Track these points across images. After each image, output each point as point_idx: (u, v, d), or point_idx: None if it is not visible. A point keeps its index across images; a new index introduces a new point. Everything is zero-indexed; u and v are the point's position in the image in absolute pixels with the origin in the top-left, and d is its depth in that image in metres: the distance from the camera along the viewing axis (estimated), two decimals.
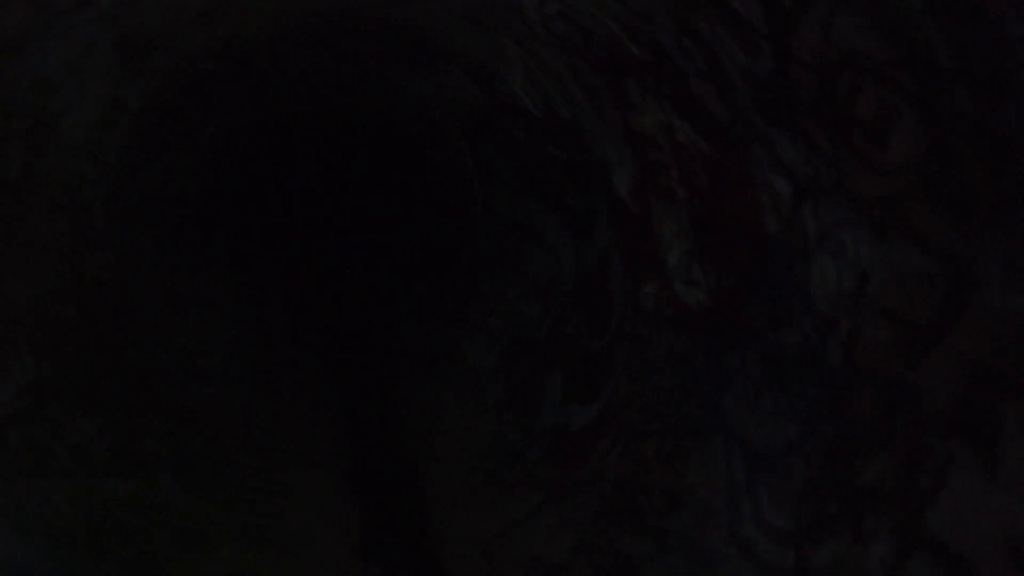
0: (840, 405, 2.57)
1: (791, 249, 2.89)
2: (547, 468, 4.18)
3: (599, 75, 3.74)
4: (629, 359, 4.10)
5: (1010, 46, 1.79)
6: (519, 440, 4.63)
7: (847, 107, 2.38)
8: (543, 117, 5.10)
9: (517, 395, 5.19)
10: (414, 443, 5.28)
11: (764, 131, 2.76)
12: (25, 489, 2.85)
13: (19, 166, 3.17)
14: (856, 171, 2.44)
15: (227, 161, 9.29)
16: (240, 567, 3.53)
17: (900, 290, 2.39)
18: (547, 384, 4.94)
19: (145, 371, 4.71)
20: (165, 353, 5.32)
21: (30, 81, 2.89)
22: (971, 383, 2.14)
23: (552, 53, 4.01)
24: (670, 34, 2.93)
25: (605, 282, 4.62)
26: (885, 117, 2.28)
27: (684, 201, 3.57)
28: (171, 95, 5.22)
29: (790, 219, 2.85)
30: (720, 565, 2.78)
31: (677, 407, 3.54)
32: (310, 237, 12.59)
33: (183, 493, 3.89)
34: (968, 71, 1.97)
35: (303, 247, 12.22)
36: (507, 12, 3.96)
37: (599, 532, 3.39)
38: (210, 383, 5.67)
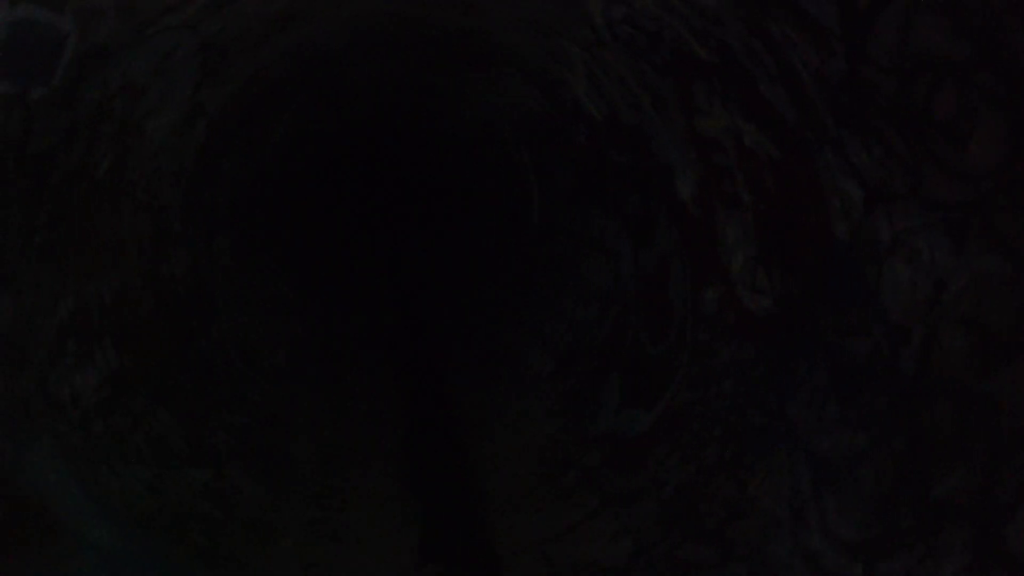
0: (913, 415, 2.50)
1: (862, 255, 2.82)
2: (604, 473, 4.17)
3: (664, 78, 3.73)
4: (690, 365, 4.06)
5: None
6: (575, 445, 4.63)
7: (924, 109, 2.32)
8: (605, 122, 5.11)
9: (573, 401, 5.19)
10: (472, 445, 5.33)
11: (835, 134, 2.71)
12: (109, 476, 2.99)
13: (107, 166, 3.34)
14: (933, 175, 2.38)
15: (295, 164, 9.56)
16: (305, 559, 3.62)
17: (979, 298, 2.32)
18: (604, 390, 4.93)
19: (217, 367, 4.89)
20: (235, 350, 5.51)
21: (119, 85, 3.05)
22: None
23: (617, 57, 4.01)
24: (739, 36, 2.90)
25: (665, 287, 4.59)
26: (965, 119, 2.22)
27: (749, 205, 3.52)
28: (246, 99, 5.41)
29: (861, 224, 2.79)
30: None
31: (739, 414, 3.49)
32: (372, 240, 12.83)
33: (252, 485, 4.01)
34: None
35: (365, 250, 12.47)
36: (572, 17, 3.99)
37: (658, 538, 3.37)
38: (277, 381, 5.84)
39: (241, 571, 3.16)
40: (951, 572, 2.21)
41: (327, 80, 7.52)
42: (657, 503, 3.61)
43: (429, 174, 12.98)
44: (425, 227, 12.95)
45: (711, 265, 3.99)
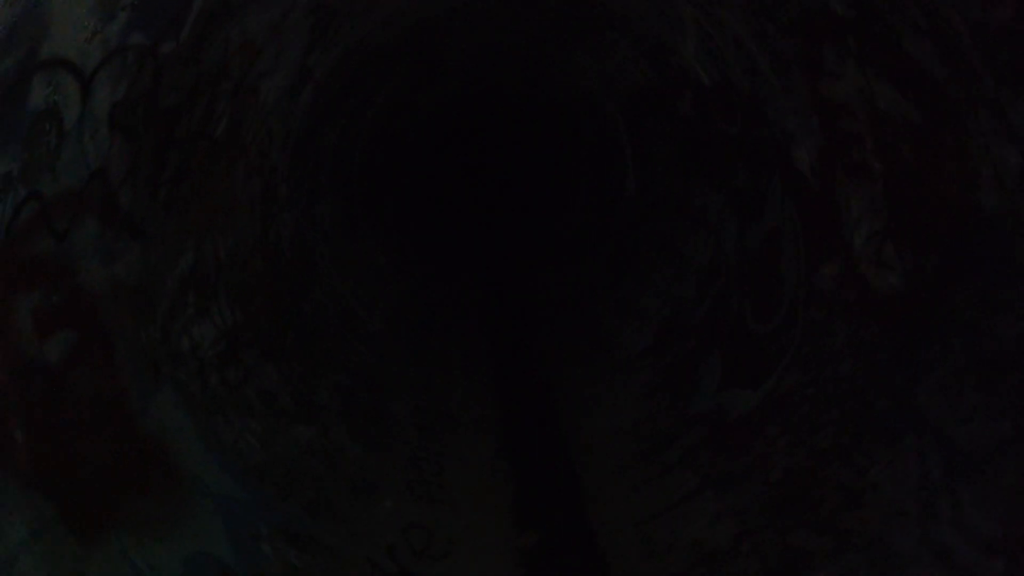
0: None
1: (1014, 229, 2.57)
2: (705, 453, 4.03)
3: (789, 38, 3.50)
4: (801, 345, 3.85)
5: None
6: (674, 423, 4.50)
7: None
8: (714, 88, 4.88)
9: (671, 378, 5.05)
10: (566, 418, 5.27)
11: (994, 94, 2.46)
12: (224, 426, 3.09)
13: (225, 125, 3.41)
14: None
15: (395, 134, 9.68)
16: (405, 519, 3.67)
17: None
18: (704, 368, 4.76)
19: (319, 329, 5.00)
20: (335, 314, 5.63)
21: (239, 43, 3.09)
22: None
23: (735, 15, 3.80)
24: None
25: (775, 263, 4.37)
26: None
27: (879, 175, 3.28)
28: (350, 66, 5.45)
29: (1016, 194, 2.54)
30: (910, 570, 2.55)
31: (859, 398, 3.28)
32: (468, 212, 12.91)
33: (354, 444, 4.09)
34: None
35: (461, 222, 12.56)
36: None
37: (766, 523, 3.22)
38: (374, 344, 5.95)
39: (346, 526, 3.21)
40: None
41: (429, 50, 7.52)
42: (764, 486, 3.46)
43: (525, 146, 12.91)
44: (520, 198, 12.91)
45: (829, 239, 3.75)
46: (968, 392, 2.68)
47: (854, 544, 2.81)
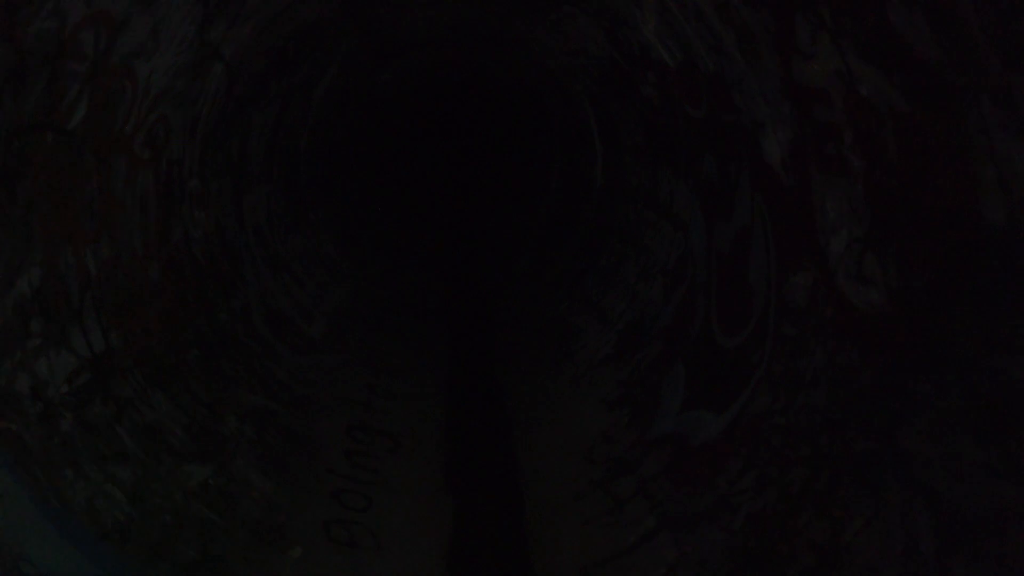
0: None
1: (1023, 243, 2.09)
2: (663, 485, 3.57)
3: (756, 10, 2.98)
4: (771, 364, 3.38)
5: None
6: (632, 446, 4.03)
7: None
8: (679, 69, 4.36)
9: (631, 390, 4.57)
10: (517, 431, 4.79)
11: (1001, 80, 1.96)
12: (75, 481, 2.55)
13: (83, 115, 2.85)
14: None
15: (344, 117, 9.07)
16: (317, 570, 3.17)
17: None
18: (667, 382, 4.29)
19: (236, 340, 4.46)
20: (262, 320, 5.09)
21: (83, 14, 2.53)
22: None
23: None
24: None
25: (744, 267, 3.88)
26: None
27: (860, 173, 2.78)
28: (275, 43, 4.85)
29: None
30: None
31: (835, 434, 2.82)
32: (425, 199, 12.32)
33: (261, 479, 3.57)
34: None
35: (417, 210, 11.97)
36: None
37: None
38: (309, 353, 5.42)
39: None
40: None
41: (379, 26, 6.92)
42: (726, 533, 2.99)
43: (491, 131, 12.32)
44: (485, 187, 12.35)
45: (803, 245, 3.26)
46: (964, 443, 2.21)
47: None
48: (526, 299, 7.64)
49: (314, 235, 7.54)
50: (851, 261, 2.92)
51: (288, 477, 3.76)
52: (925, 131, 2.35)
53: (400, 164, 12.45)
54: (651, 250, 5.59)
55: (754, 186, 3.78)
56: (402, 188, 12.31)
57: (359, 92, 8.92)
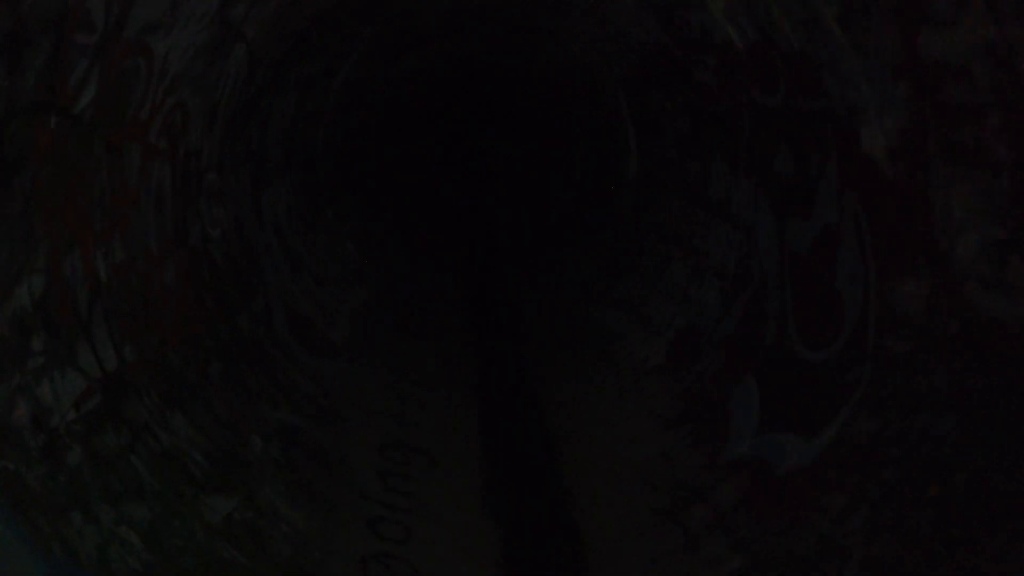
0: None
1: None
2: (744, 519, 3.15)
3: None
4: (875, 383, 2.96)
5: None
6: (701, 470, 3.61)
7: None
8: (750, 49, 3.93)
9: (692, 406, 4.16)
10: (564, 453, 4.38)
11: None
12: (83, 525, 2.14)
13: (92, 97, 2.43)
14: None
15: (365, 108, 8.65)
16: None
17: None
18: (735, 398, 3.87)
19: (260, 348, 4.05)
20: (284, 325, 4.68)
21: None
22: None
23: None
24: None
25: (829, 271, 3.46)
26: None
27: (1006, 164, 2.36)
28: (298, 25, 4.44)
29: None
30: None
31: (971, 471, 2.40)
32: (451, 196, 11.90)
33: (291, 511, 3.16)
34: None
35: (443, 207, 11.55)
36: None
37: None
38: (334, 359, 5.01)
39: None
40: None
41: (402, 11, 6.49)
42: None
43: (513, 121, 11.89)
44: (508, 181, 11.92)
45: (914, 248, 2.84)
46: None
47: None
48: (555, 298, 7.22)
49: (333, 232, 7.13)
50: (987, 268, 2.50)
51: (320, 506, 3.35)
52: None
53: (419, 157, 12.03)
54: (703, 251, 5.16)
55: (844, 180, 3.35)
56: (421, 182, 11.90)
57: (379, 83, 8.50)
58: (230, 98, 3.90)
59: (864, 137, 3.11)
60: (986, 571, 2.19)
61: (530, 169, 11.38)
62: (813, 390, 3.31)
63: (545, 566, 3.38)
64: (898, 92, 2.78)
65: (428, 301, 7.48)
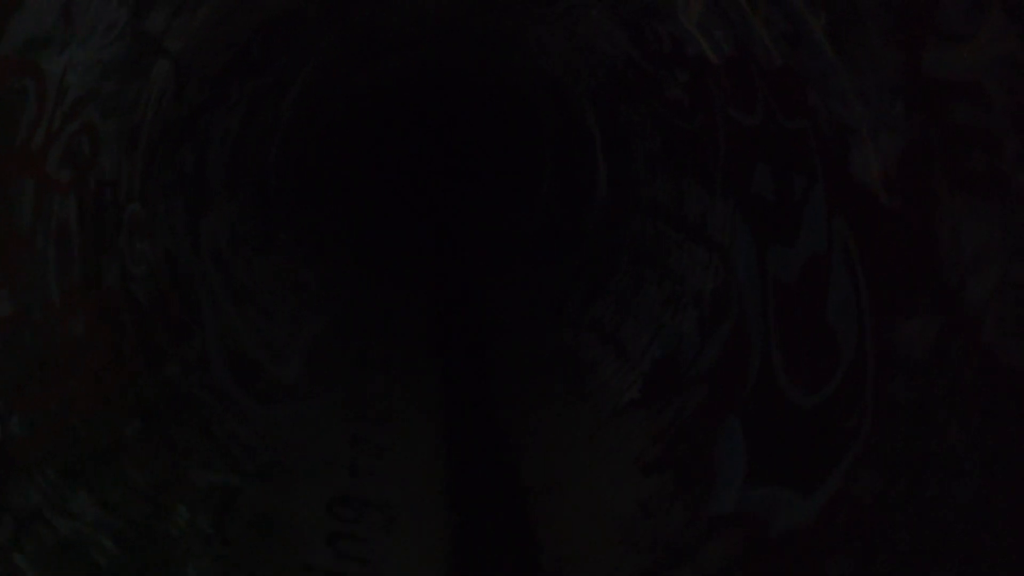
0: None
1: None
2: None
3: None
4: (876, 435, 2.66)
5: None
6: (684, 527, 3.28)
7: None
8: (726, 65, 3.64)
9: (672, 450, 3.83)
10: (534, 500, 4.02)
11: None
12: None
13: None
14: None
15: (323, 123, 8.24)
16: None
17: None
18: (720, 442, 3.55)
19: (191, 398, 3.63)
20: (223, 367, 4.26)
21: None
22: None
23: None
24: None
25: (819, 304, 3.17)
26: None
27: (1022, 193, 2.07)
28: (235, 36, 4.04)
29: None
30: None
31: (993, 540, 2.10)
32: (412, 214, 11.50)
33: None
34: None
35: (404, 225, 11.14)
36: None
37: None
38: (284, 402, 4.60)
39: None
40: None
41: (360, 21, 6.12)
42: None
43: (477, 136, 11.55)
44: (473, 198, 11.56)
45: (918, 284, 2.55)
46: None
47: None
48: (525, 321, 6.88)
49: (286, 257, 6.70)
50: (1005, 310, 2.21)
51: None
52: None
53: (381, 175, 11.63)
54: (677, 275, 4.86)
55: (833, 206, 3.06)
56: (383, 201, 11.49)
57: (337, 97, 8.11)
58: (155, 119, 3.50)
59: (855, 160, 2.83)
60: None
61: (497, 186, 11.06)
62: (806, 437, 3.00)
63: None
64: (896, 111, 2.49)
65: (391, 328, 7.08)
